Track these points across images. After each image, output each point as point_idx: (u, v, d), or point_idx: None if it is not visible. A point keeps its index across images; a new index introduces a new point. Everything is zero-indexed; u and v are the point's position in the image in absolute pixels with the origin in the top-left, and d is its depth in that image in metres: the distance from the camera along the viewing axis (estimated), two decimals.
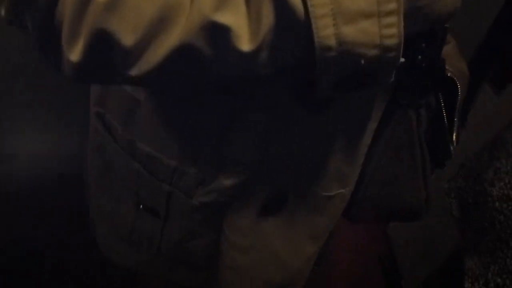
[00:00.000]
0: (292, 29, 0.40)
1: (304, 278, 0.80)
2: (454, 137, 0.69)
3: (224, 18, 0.38)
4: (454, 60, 0.71)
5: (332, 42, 0.39)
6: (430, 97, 0.67)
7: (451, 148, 0.69)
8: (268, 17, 0.39)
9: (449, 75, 0.66)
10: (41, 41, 0.42)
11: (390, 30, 0.39)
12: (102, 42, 0.39)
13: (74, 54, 0.40)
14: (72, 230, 1.47)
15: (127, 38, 0.39)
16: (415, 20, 0.42)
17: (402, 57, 0.55)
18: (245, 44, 0.40)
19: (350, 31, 0.39)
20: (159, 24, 0.39)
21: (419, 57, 0.57)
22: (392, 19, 0.39)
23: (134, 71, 0.41)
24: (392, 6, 0.38)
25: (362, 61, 0.40)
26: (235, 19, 0.39)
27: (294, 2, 0.38)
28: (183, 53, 0.40)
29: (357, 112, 0.59)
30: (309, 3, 0.38)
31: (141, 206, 0.72)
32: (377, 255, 1.55)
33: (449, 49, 0.73)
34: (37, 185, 1.57)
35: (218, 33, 0.39)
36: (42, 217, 1.54)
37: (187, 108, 0.58)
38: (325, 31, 0.38)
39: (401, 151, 0.68)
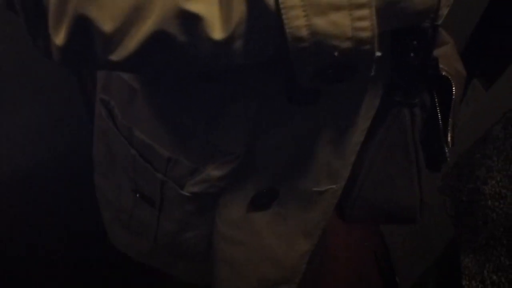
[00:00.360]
0: (263, 19, 0.40)
1: (299, 275, 0.81)
2: (449, 138, 0.69)
3: (195, 7, 0.39)
4: (451, 60, 0.71)
5: (304, 33, 0.40)
6: (424, 96, 0.67)
7: (446, 149, 0.70)
8: (238, 6, 0.40)
9: (443, 74, 0.67)
10: (30, 24, 0.44)
11: (363, 23, 0.39)
12: (84, 28, 0.41)
13: (59, 38, 0.42)
14: (74, 230, 1.48)
15: (106, 25, 0.41)
16: (391, 15, 0.43)
17: (394, 54, 0.56)
18: (217, 33, 0.41)
19: (321, 23, 0.39)
20: (135, 12, 0.40)
21: (411, 54, 0.57)
22: (363, 12, 0.39)
23: (114, 56, 0.43)
24: None
25: (336, 53, 0.41)
26: (206, 8, 0.40)
27: None
28: (158, 40, 0.41)
29: (348, 107, 0.59)
30: None
31: (137, 195, 0.74)
32: (372, 252, 1.55)
33: (447, 49, 0.73)
34: (37, 184, 1.57)
35: (190, 22, 0.40)
36: (42, 215, 1.54)
37: (177, 98, 0.59)
38: (296, 22, 0.39)
39: (396, 151, 0.69)
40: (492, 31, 1.11)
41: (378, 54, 0.42)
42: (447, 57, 0.70)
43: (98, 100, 0.75)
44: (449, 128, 0.70)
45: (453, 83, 0.67)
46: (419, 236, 1.27)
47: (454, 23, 1.26)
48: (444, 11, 0.50)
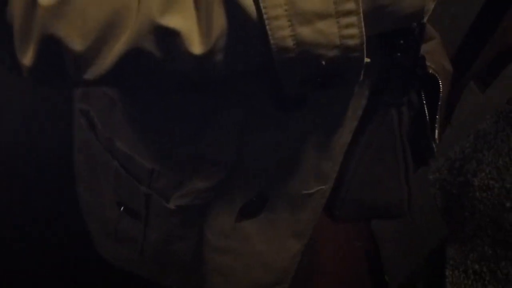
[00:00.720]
0: (246, 31, 0.39)
1: (290, 275, 0.80)
2: (436, 134, 0.69)
3: (172, 21, 0.38)
4: (437, 56, 0.71)
5: (289, 43, 0.38)
6: (411, 94, 0.67)
7: (434, 145, 0.69)
8: (219, 19, 0.38)
9: (430, 72, 0.66)
10: None
11: (350, 31, 0.38)
12: (52, 48, 0.39)
13: (26, 58, 0.40)
14: (74, 230, 1.47)
15: (77, 44, 0.39)
16: (380, 19, 0.42)
17: (381, 54, 0.55)
18: (196, 47, 0.39)
19: (307, 32, 0.38)
20: (108, 29, 0.38)
21: (398, 54, 0.56)
22: (351, 19, 0.38)
23: (88, 75, 0.41)
24: (351, 6, 0.37)
25: (323, 62, 0.40)
26: (184, 22, 0.38)
27: (245, 3, 0.37)
28: (134, 56, 0.40)
29: (336, 110, 0.58)
30: (261, 5, 0.37)
31: (121, 208, 0.72)
32: (363, 252, 1.56)
33: (433, 45, 0.73)
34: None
35: (167, 37, 0.39)
36: (42, 214, 1.53)
37: (161, 108, 0.57)
38: (281, 32, 0.38)
39: (383, 151, 0.68)
40: (487, 33, 1.12)
41: (367, 60, 0.41)
42: (434, 53, 0.70)
43: (77, 111, 0.72)
44: (436, 125, 0.70)
45: (440, 81, 0.67)
46: (409, 236, 1.28)
47: (449, 25, 1.27)
48: (430, 6, 0.49)
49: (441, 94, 0.68)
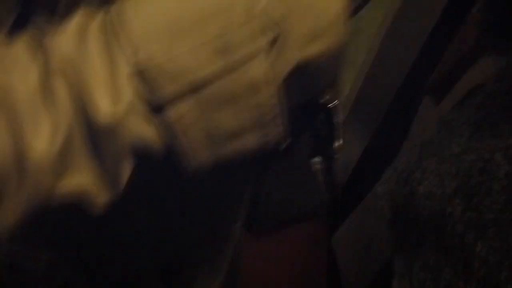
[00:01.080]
0: (159, 168, 0.38)
1: None
2: (337, 144, 0.68)
3: (70, 184, 0.35)
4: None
5: (208, 164, 0.38)
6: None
7: (337, 156, 0.68)
8: (126, 167, 0.36)
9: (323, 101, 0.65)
10: None
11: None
12: None
13: None
14: None
15: None
16: (294, 97, 0.42)
17: None
18: (102, 199, 0.36)
19: (227, 151, 0.38)
20: None
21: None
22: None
23: None
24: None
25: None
26: (84, 180, 0.35)
27: (155, 146, 0.36)
28: (33, 216, 0.35)
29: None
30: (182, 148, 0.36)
31: None
32: (321, 268, 1.55)
33: None
34: None
35: (68, 199, 0.35)
36: None
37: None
38: (200, 159, 0.37)
39: (289, 172, 0.68)
40: (442, 45, 1.14)
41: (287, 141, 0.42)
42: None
43: None
44: (335, 142, 0.69)
45: (332, 105, 0.66)
46: (365, 248, 1.28)
47: (404, 39, 1.29)
48: None
49: (335, 115, 0.67)
